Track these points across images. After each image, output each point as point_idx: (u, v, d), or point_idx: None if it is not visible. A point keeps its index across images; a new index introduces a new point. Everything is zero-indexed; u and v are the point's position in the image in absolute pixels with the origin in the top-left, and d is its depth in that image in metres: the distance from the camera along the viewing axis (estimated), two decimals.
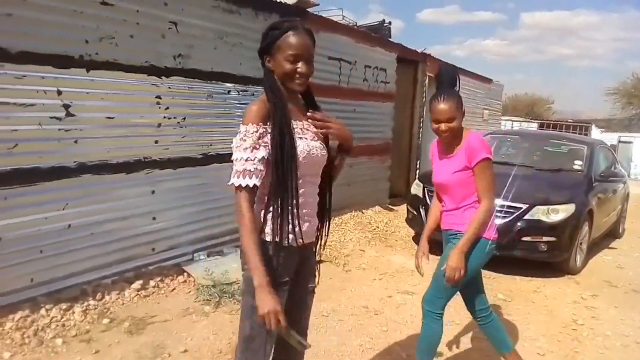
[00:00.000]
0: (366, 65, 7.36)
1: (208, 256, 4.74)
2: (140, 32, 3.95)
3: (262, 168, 1.76)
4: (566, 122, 23.12)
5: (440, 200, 2.85)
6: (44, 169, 3.44)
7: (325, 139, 1.95)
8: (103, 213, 3.85)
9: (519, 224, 5.19)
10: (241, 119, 1.77)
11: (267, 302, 1.65)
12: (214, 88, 4.74)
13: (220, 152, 4.85)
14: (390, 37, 8.64)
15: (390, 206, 8.21)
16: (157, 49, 4.13)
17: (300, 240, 1.85)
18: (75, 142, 3.61)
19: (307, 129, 1.89)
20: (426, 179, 6.25)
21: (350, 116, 7.09)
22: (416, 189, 6.22)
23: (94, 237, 3.80)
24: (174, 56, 4.28)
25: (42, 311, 3.39)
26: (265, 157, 1.76)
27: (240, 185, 1.73)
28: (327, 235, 2.07)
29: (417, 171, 8.98)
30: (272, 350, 1.87)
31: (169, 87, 4.27)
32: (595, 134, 21.22)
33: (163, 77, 4.20)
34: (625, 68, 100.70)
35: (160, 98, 4.21)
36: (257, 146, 1.74)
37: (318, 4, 6.01)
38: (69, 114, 3.54)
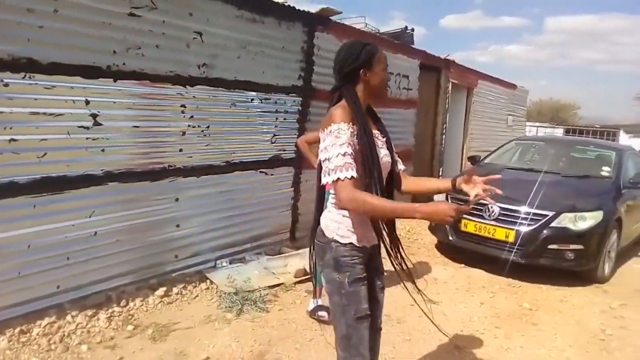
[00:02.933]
0: (389, 72, 7.32)
1: (230, 263, 4.77)
2: (165, 42, 4.02)
3: (354, 163, 1.87)
4: (593, 127, 22.66)
5: None
6: (72, 177, 3.52)
7: (390, 149, 2.14)
8: (128, 220, 3.92)
9: (545, 231, 5.09)
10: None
11: (436, 208, 1.79)
12: (238, 97, 4.79)
13: (243, 160, 4.90)
14: (412, 44, 8.61)
15: None
16: (182, 59, 4.20)
17: (370, 242, 2.08)
18: (102, 150, 3.69)
19: (377, 138, 2.08)
20: None
21: None
22: (438, 196, 6.16)
23: (119, 244, 3.87)
24: (199, 65, 4.34)
25: (68, 317, 3.45)
26: (353, 155, 1.89)
27: (346, 178, 1.84)
28: (396, 239, 2.18)
29: (440, 178, 8.91)
30: (368, 342, 2.03)
31: (194, 96, 4.33)
32: (624, 139, 20.72)
33: (188, 87, 4.26)
34: None
35: (185, 107, 4.27)
36: (351, 143, 1.89)
37: (341, 12, 6.03)
38: (96, 123, 3.61)
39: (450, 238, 5.71)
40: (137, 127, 3.92)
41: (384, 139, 2.13)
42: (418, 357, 3.44)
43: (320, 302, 3.87)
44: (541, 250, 5.09)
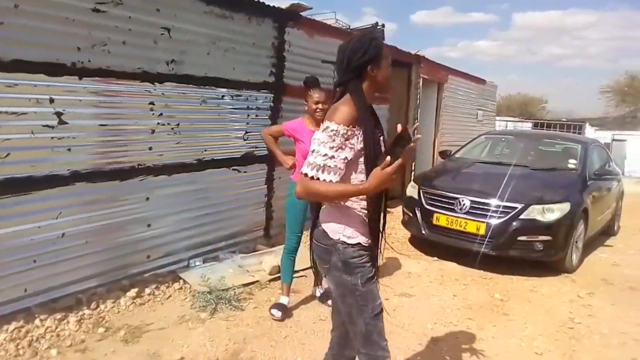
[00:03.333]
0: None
1: (204, 262, 4.72)
2: (132, 39, 3.94)
3: (343, 167, 1.88)
4: (560, 121, 23.18)
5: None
6: (37, 178, 3.42)
7: (385, 143, 2.10)
8: (97, 221, 3.83)
9: (514, 223, 5.20)
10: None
11: (375, 175, 1.80)
12: (208, 93, 4.73)
13: (215, 158, 4.85)
14: (383, 40, 8.65)
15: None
16: (150, 55, 4.12)
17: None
18: (69, 150, 3.59)
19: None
20: (421, 181, 6.27)
21: None
22: (411, 190, 6.22)
23: (89, 246, 3.78)
24: (167, 62, 4.27)
25: (37, 321, 3.36)
26: (348, 158, 1.89)
27: (313, 177, 1.86)
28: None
29: (413, 173, 8.99)
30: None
31: (163, 93, 4.26)
32: (589, 132, 21.27)
33: (156, 83, 4.19)
34: (619, 67, 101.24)
35: (154, 104, 4.20)
36: (343, 147, 1.87)
37: (311, 8, 6.01)
38: (61, 122, 3.52)
39: (423, 232, 5.77)
40: (105, 125, 3.83)
41: (381, 138, 2.10)
42: (393, 350, 3.45)
43: (324, 287, 4.16)
44: (511, 242, 5.20)
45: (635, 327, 4.08)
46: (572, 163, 6.45)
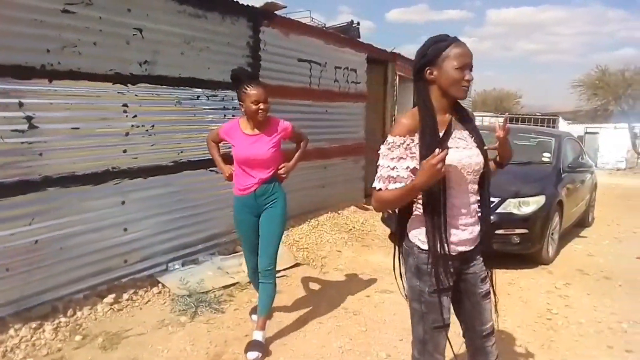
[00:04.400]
0: (336, 66, 7.37)
1: (183, 265, 4.67)
2: (103, 40, 3.86)
3: (407, 176, 1.89)
4: (534, 115, 23.57)
5: (246, 171, 3.29)
6: (8, 184, 3.33)
7: (481, 147, 2.02)
8: (72, 226, 3.75)
9: (491, 217, 5.25)
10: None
11: (422, 168, 1.79)
12: (183, 94, 4.68)
13: (192, 159, 4.79)
14: (359, 38, 8.67)
15: (365, 206, 8.23)
16: (122, 56, 4.05)
17: (455, 249, 1.97)
18: (40, 154, 3.51)
19: (460, 138, 1.98)
20: None
21: (323, 117, 7.10)
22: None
23: (63, 252, 3.70)
24: (140, 63, 4.21)
25: (11, 331, 3.27)
26: (413, 167, 1.89)
27: (381, 189, 1.92)
28: (489, 240, 2.15)
29: None
30: (445, 348, 2.04)
31: (136, 95, 4.19)
32: (563, 126, 21.70)
33: (129, 85, 4.12)
34: (590, 61, 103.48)
35: (127, 106, 4.12)
36: (405, 157, 1.90)
37: (286, 7, 5.98)
38: (32, 126, 3.43)
39: None
40: (77, 128, 3.75)
41: (473, 139, 2.01)
42: (374, 347, 3.48)
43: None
44: None
45: (611, 315, 4.17)
46: (546, 156, 6.56)
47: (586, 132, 20.41)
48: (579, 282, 5.03)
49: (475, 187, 2.03)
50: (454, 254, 1.97)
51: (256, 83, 3.26)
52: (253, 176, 3.27)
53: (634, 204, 10.45)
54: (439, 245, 1.92)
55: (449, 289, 2.00)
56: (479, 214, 2.06)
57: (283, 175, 3.42)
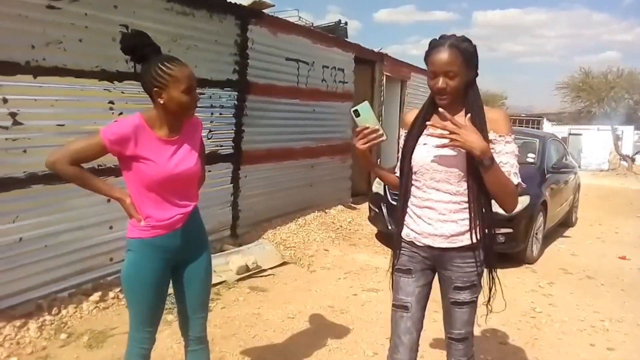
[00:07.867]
0: (324, 66, 7.38)
1: None
2: (89, 36, 3.83)
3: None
4: (519, 116, 23.84)
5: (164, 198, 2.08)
6: None
7: (463, 152, 1.86)
8: (57, 224, 3.71)
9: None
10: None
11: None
12: None
13: None
14: (347, 37, 8.69)
15: (352, 205, 8.27)
16: (108, 53, 4.00)
17: (418, 238, 1.99)
18: (24, 151, 3.47)
19: (437, 137, 1.83)
20: None
21: (310, 116, 7.11)
22: (377, 187, 6.28)
23: (48, 250, 3.66)
24: (127, 60, 4.16)
25: None
26: None
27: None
28: (489, 245, 2.06)
29: None
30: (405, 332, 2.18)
31: (122, 92, 4.15)
32: (547, 127, 21.97)
33: (115, 82, 4.08)
34: (574, 63, 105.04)
35: (113, 103, 4.09)
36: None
37: (274, 5, 5.97)
38: (16, 123, 3.39)
39: (389, 227, 5.83)
40: (62, 125, 3.71)
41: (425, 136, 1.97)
42: (362, 345, 3.50)
43: None
44: None
45: (593, 314, 4.24)
46: (530, 157, 6.64)
47: (570, 134, 20.68)
48: (562, 281, 5.11)
49: (454, 187, 1.92)
50: (418, 244, 2.00)
51: (177, 60, 2.04)
52: (176, 203, 2.11)
53: (616, 204, 10.63)
54: (396, 224, 2.11)
55: (408, 271, 2.06)
56: (463, 218, 1.94)
57: None
